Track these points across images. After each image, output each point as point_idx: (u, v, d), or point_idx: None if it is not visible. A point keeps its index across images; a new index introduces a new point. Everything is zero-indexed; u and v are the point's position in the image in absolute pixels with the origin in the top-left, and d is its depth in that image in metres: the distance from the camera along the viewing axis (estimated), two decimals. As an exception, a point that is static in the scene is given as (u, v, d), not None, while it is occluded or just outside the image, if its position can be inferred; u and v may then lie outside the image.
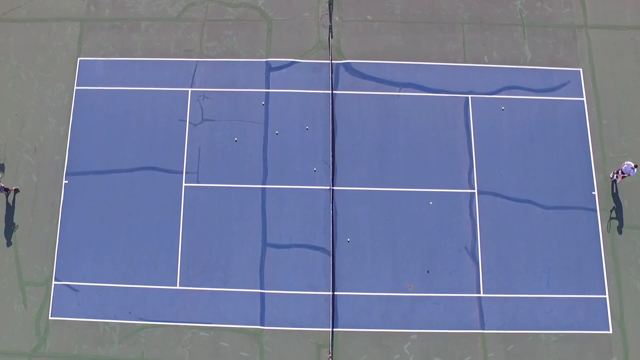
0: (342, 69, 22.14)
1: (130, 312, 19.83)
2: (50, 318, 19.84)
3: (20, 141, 21.42)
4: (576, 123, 21.64)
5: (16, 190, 20.72)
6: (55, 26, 22.61)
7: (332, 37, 22.52)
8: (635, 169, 19.87)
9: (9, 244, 20.39)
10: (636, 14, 22.96)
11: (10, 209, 20.62)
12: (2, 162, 21.17)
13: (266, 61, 22.20)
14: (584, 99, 21.92)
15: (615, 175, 20.70)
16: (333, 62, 22.16)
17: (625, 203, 20.86)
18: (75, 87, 21.95)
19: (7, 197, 20.71)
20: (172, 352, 19.51)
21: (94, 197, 20.85)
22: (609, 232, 20.58)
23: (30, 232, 20.55)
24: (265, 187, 20.92)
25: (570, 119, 21.68)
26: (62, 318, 19.83)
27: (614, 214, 20.78)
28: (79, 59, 22.26)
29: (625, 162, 20.07)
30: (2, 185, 20.28)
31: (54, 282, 20.12)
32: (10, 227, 20.50)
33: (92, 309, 19.88)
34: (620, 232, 20.61)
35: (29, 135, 21.47)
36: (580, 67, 22.26)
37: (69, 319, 19.83)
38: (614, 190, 20.80)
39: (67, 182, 21.03)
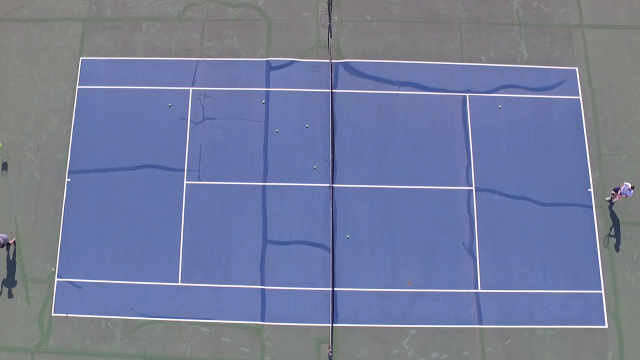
0: (341, 68, 22.39)
1: (132, 309, 20.04)
2: (53, 314, 20.05)
3: (23, 140, 21.64)
4: (572, 121, 21.92)
5: (14, 243, 20.52)
6: (57, 26, 22.83)
7: (331, 37, 22.77)
8: (632, 190, 19.99)
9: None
10: (631, 13, 23.25)
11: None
12: (5, 161, 21.39)
13: (266, 60, 22.44)
14: (580, 97, 22.19)
15: (612, 197, 20.70)
16: (332, 61, 22.41)
17: (620, 200, 21.13)
18: (77, 86, 22.17)
19: (7, 249, 20.38)
20: (174, 348, 19.73)
21: (96, 194, 21.06)
22: (609, 232, 20.88)
23: (33, 229, 20.76)
24: (265, 185, 21.16)
25: (566, 117, 21.95)
26: (65, 314, 20.02)
27: (609, 211, 21.06)
28: (81, 58, 22.48)
29: (624, 183, 20.15)
30: (4, 238, 19.91)
31: (56, 279, 20.32)
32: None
33: (94, 305, 20.09)
34: (615, 228, 20.90)
35: (32, 134, 21.69)
36: (576, 66, 22.54)
37: (72, 316, 20.03)
38: (610, 211, 20.99)
39: (69, 180, 21.25)
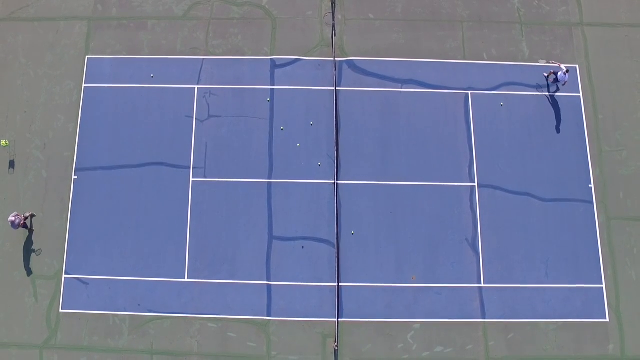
0: (345, 66, 22.61)
1: (139, 304, 20.22)
2: (60, 311, 20.21)
3: (30, 138, 21.80)
4: (573, 118, 22.19)
5: (32, 216, 20.81)
6: (63, 25, 22.99)
7: (335, 35, 22.99)
8: (567, 75, 21.19)
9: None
10: (630, 12, 23.53)
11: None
12: (12, 159, 21.54)
13: (271, 59, 22.65)
14: (581, 94, 22.46)
15: (549, 76, 21.89)
16: (336, 59, 22.62)
17: (620, 195, 21.44)
18: (83, 85, 22.33)
19: (28, 227, 20.64)
20: (181, 343, 19.92)
21: (103, 192, 21.24)
22: (607, 223, 21.17)
23: (41, 226, 20.92)
24: (270, 182, 21.37)
25: (567, 114, 22.22)
26: (73, 311, 20.21)
27: (610, 206, 21.35)
28: (87, 57, 22.64)
29: (563, 66, 21.32)
30: (23, 217, 20.13)
31: (64, 276, 20.49)
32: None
33: (101, 301, 20.26)
34: (616, 223, 21.17)
35: (39, 132, 21.85)
36: (576, 64, 22.80)
37: (79, 312, 20.20)
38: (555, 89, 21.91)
39: (76, 177, 21.42)
